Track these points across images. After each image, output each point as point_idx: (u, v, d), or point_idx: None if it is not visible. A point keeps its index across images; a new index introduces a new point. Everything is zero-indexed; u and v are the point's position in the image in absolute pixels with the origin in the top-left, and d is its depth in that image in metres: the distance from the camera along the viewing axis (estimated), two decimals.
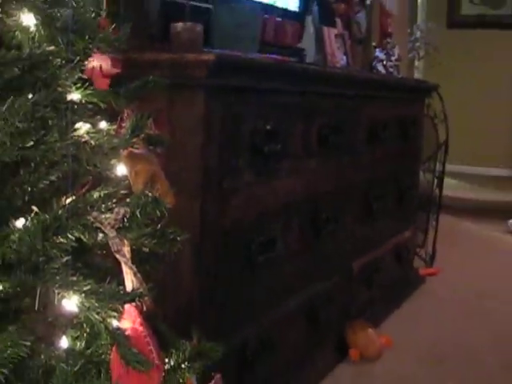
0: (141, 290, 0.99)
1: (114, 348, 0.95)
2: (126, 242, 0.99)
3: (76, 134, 0.99)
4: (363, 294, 2.45)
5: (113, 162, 1.08)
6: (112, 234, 0.97)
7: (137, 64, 1.39)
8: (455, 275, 3.28)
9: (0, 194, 0.97)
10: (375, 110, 2.43)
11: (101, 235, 0.98)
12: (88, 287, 0.92)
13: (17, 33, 0.95)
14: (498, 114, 5.92)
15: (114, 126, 1.07)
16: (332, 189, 2.10)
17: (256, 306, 1.72)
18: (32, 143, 0.92)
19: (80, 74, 1.00)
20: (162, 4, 1.75)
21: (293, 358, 1.93)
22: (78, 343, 1.00)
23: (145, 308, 1.00)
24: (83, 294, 0.92)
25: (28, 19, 0.95)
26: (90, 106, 1.02)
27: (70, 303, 0.93)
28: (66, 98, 0.97)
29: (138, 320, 0.97)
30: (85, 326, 1.00)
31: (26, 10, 0.94)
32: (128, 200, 1.00)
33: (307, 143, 1.91)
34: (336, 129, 2.03)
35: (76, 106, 1.00)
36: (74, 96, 0.99)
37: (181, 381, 1.05)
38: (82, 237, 0.95)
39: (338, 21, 2.71)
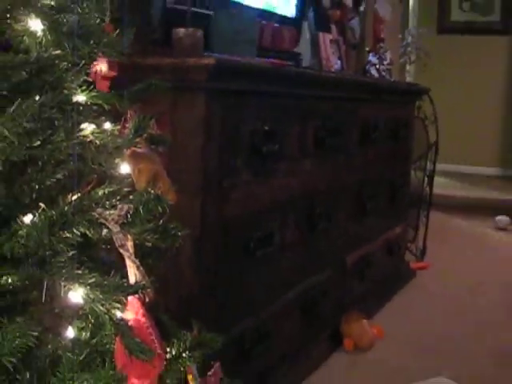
0: (143, 282, 1.01)
1: (117, 338, 0.98)
2: (129, 237, 1.01)
3: (81, 134, 1.02)
4: (356, 287, 2.50)
5: (117, 160, 1.10)
6: (116, 229, 0.99)
7: (140, 68, 1.42)
8: (445, 270, 3.32)
9: (8, 192, 0.99)
10: (369, 112, 2.47)
11: (105, 230, 1.00)
12: (93, 280, 0.94)
13: (25, 37, 0.97)
14: (486, 116, 6.00)
15: (118, 127, 1.10)
16: (326, 187, 2.15)
17: (254, 298, 1.75)
18: (39, 143, 0.95)
19: (85, 77, 1.03)
20: (164, 10, 1.78)
21: (288, 348, 1.97)
22: (84, 333, 1.02)
23: (147, 300, 1.01)
24: (88, 287, 0.94)
25: (35, 24, 0.97)
26: (94, 107, 1.05)
27: (76, 295, 0.95)
28: (71, 99, 1.00)
29: (141, 311, 0.99)
30: (90, 317, 1.01)
31: (33, 15, 0.97)
32: (131, 197, 1.02)
33: (303, 144, 1.95)
34: (331, 130, 2.07)
35: (81, 108, 1.02)
36: (80, 98, 1.01)
37: (182, 369, 1.07)
38: (87, 232, 0.97)
39: (333, 27, 2.76)
